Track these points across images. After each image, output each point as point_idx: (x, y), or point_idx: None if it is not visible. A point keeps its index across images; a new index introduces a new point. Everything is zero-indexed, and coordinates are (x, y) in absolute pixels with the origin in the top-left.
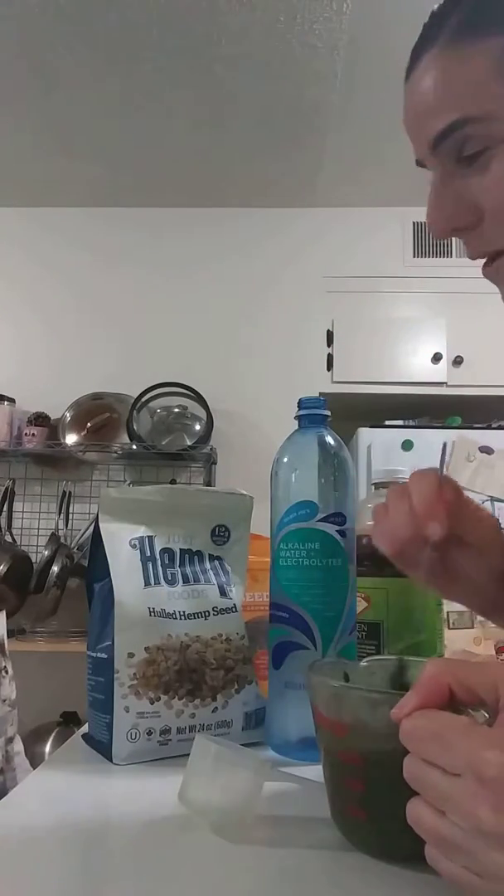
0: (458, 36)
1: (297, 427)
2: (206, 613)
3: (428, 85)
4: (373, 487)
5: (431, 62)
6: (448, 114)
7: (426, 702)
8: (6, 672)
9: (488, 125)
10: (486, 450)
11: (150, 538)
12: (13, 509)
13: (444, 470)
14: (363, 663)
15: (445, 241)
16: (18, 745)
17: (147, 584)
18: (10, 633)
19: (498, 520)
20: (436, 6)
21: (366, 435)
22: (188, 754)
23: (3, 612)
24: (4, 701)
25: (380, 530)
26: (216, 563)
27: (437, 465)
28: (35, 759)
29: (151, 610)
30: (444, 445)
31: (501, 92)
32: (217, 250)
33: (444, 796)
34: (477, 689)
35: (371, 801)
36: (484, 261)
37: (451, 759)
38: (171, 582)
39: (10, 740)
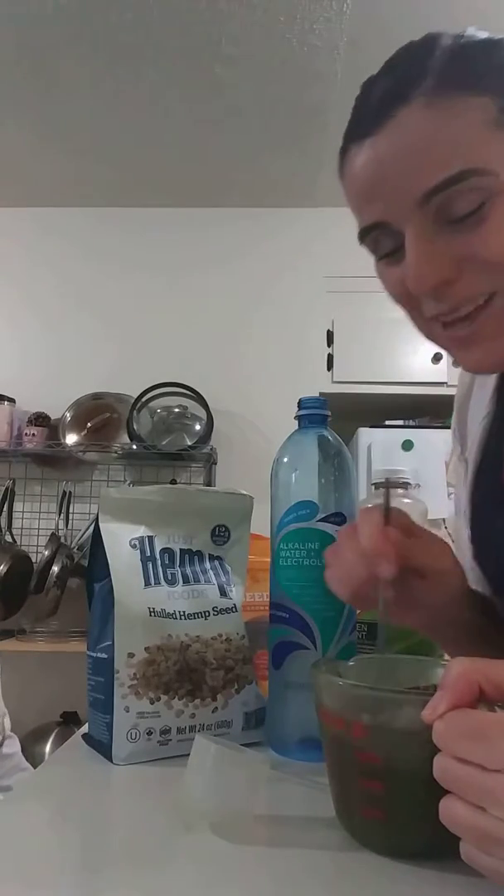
0: (443, 91)
1: (297, 427)
2: (206, 613)
3: (418, 137)
4: (373, 487)
5: (414, 117)
6: (451, 165)
7: (459, 701)
8: None
9: (489, 179)
10: None
11: (150, 538)
12: (13, 509)
13: (390, 505)
14: (350, 662)
15: None
16: (10, 748)
17: (147, 584)
18: (10, 634)
19: (449, 545)
20: (387, 64)
21: (366, 435)
22: (188, 754)
23: None
24: None
25: (332, 574)
26: (216, 563)
27: (383, 504)
28: (35, 759)
29: (151, 610)
30: (388, 491)
31: (500, 148)
32: (217, 250)
33: (486, 792)
34: None
35: (391, 801)
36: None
37: (492, 756)
38: (172, 582)
39: None
